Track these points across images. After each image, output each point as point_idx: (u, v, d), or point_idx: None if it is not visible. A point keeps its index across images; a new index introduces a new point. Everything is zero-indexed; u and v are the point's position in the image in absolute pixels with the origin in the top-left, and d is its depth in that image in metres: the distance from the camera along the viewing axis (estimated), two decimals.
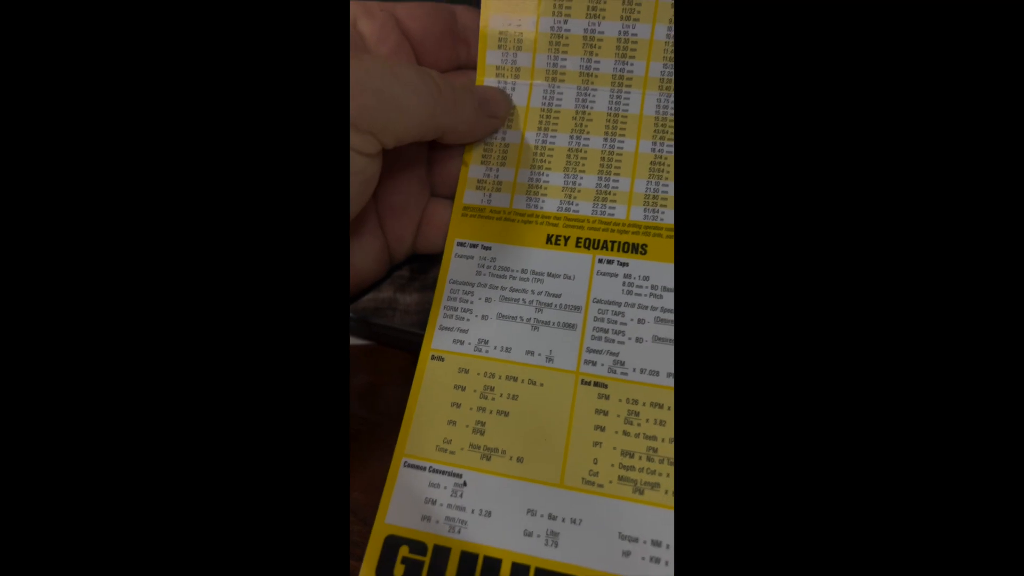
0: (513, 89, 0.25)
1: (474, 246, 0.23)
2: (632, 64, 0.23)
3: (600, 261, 0.22)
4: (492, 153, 0.24)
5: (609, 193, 0.23)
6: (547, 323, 0.22)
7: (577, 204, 0.23)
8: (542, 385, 0.21)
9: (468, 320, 0.22)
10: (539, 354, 0.22)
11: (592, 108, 0.24)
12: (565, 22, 0.24)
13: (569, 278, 0.22)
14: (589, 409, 0.21)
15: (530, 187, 0.24)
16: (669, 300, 0.21)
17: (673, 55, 0.23)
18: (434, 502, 0.20)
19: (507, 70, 0.25)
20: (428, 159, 0.25)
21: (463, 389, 0.22)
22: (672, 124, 0.23)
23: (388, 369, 0.26)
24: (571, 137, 0.24)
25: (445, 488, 0.21)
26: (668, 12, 0.23)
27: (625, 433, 0.20)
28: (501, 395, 0.21)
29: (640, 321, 0.21)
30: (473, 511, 0.20)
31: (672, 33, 0.23)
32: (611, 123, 0.24)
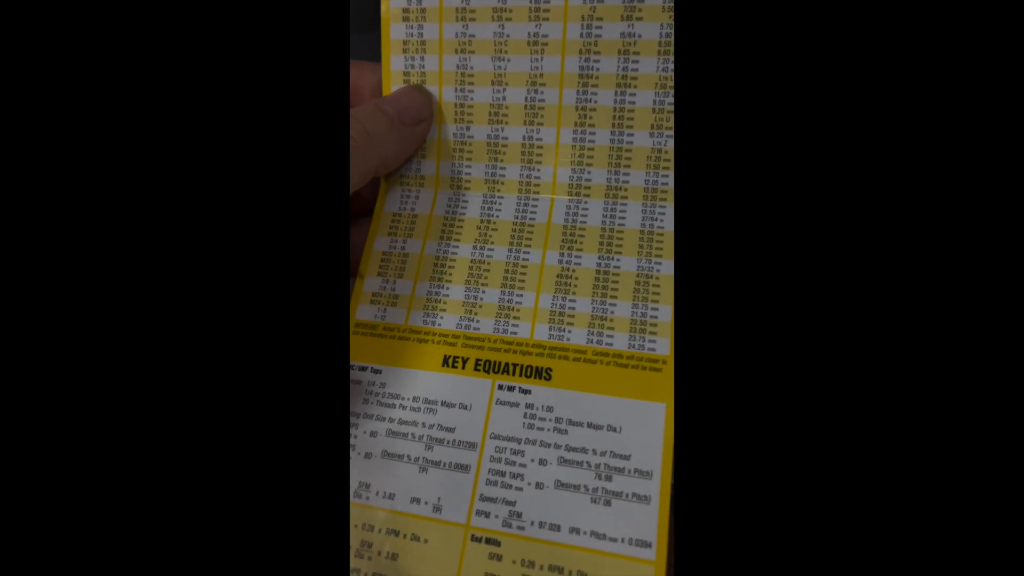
0: (417, 198, 0.22)
1: (363, 369, 0.20)
2: (539, 170, 0.21)
3: (500, 387, 0.19)
4: (390, 264, 0.21)
5: (512, 309, 0.20)
6: (437, 464, 0.18)
7: (478, 321, 0.20)
8: (426, 541, 0.17)
9: (349, 459, 0.19)
10: (425, 502, 0.18)
11: (497, 217, 0.21)
12: (468, 128, 0.21)
13: (465, 408, 0.19)
14: (477, 573, 0.17)
15: (428, 301, 0.21)
16: (575, 436, 0.18)
17: (580, 159, 0.21)
18: None
19: (410, 178, 0.22)
20: None
21: None
22: (581, 232, 0.20)
23: None
24: (474, 247, 0.21)
25: None
26: (572, 115, 0.20)
27: None
28: (379, 553, 0.17)
29: (542, 462, 0.18)
30: None
31: (577, 136, 0.21)
32: (517, 233, 0.21)
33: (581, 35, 0.20)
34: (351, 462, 0.19)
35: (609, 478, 0.17)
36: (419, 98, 0.21)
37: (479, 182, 0.22)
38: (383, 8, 0.21)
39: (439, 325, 0.20)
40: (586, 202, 0.21)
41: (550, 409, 0.18)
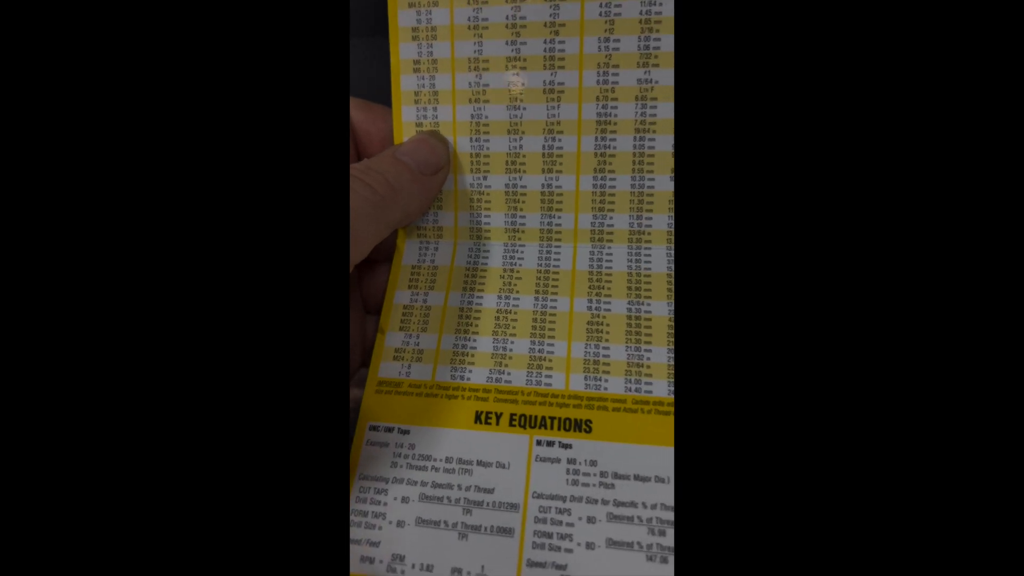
0: (436, 249, 0.22)
1: (389, 430, 0.19)
2: (559, 217, 0.21)
3: (539, 443, 0.18)
4: (413, 318, 0.21)
5: (544, 359, 0.19)
6: (477, 528, 0.17)
7: (509, 373, 0.19)
8: None
9: (381, 528, 0.17)
10: (468, 572, 0.16)
11: (520, 265, 0.21)
12: (485, 178, 0.21)
13: (503, 467, 0.18)
14: None
15: (455, 355, 0.20)
16: (623, 490, 0.17)
17: (601, 205, 0.21)
18: None
19: (428, 230, 0.22)
20: (359, 278, 0.23)
21: None
22: (608, 278, 0.20)
23: None
24: (499, 297, 0.20)
25: None
26: (592, 162, 0.20)
27: None
28: None
29: (590, 520, 0.17)
30: None
31: (597, 183, 0.20)
32: (542, 280, 0.21)
33: (598, 82, 0.20)
34: (383, 532, 0.17)
35: (663, 532, 0.16)
36: (436, 146, 0.21)
37: (499, 231, 0.21)
38: (392, 59, 0.21)
39: (468, 379, 0.19)
40: (610, 247, 0.20)
41: (594, 463, 0.17)
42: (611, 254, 0.20)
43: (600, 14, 0.19)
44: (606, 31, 0.20)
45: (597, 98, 0.20)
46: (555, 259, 0.21)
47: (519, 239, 0.21)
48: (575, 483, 0.17)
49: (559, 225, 0.21)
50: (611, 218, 0.21)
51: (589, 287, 0.20)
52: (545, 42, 0.20)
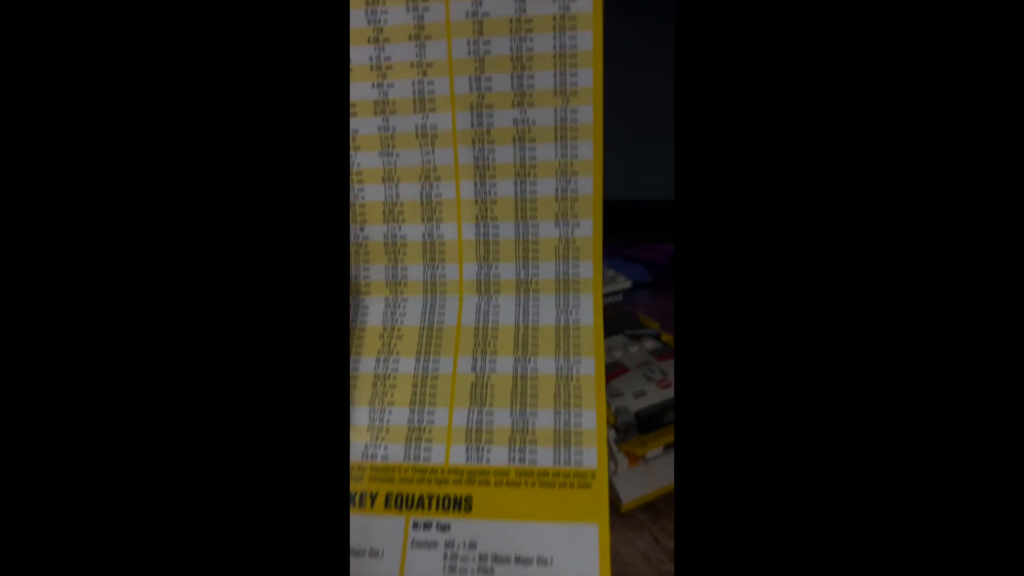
0: None
1: None
2: (443, 267, 0.19)
3: (415, 525, 0.17)
4: None
5: (424, 430, 0.18)
6: None
7: (386, 448, 0.18)
8: None
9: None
10: None
11: (402, 322, 0.19)
12: (363, 229, 0.20)
13: (376, 555, 0.16)
14: None
15: None
16: (503, 575, 0.16)
17: (485, 254, 0.19)
18: None
19: None
20: None
21: None
22: (494, 333, 0.19)
23: None
24: (377, 360, 0.19)
25: None
26: (472, 209, 0.19)
27: None
28: None
29: None
30: None
31: (480, 231, 0.19)
32: (425, 339, 0.19)
33: (472, 124, 0.19)
34: None
35: None
36: None
37: (379, 285, 0.20)
38: None
39: None
40: (497, 299, 0.19)
41: (472, 546, 0.16)
42: (499, 306, 0.19)
43: (469, 53, 0.18)
44: (476, 69, 0.18)
45: (473, 141, 0.19)
46: (440, 314, 0.19)
47: (402, 292, 0.20)
48: (452, 569, 0.16)
49: (443, 276, 0.19)
50: (497, 268, 0.19)
51: (475, 344, 0.19)
52: (414, 83, 0.19)
